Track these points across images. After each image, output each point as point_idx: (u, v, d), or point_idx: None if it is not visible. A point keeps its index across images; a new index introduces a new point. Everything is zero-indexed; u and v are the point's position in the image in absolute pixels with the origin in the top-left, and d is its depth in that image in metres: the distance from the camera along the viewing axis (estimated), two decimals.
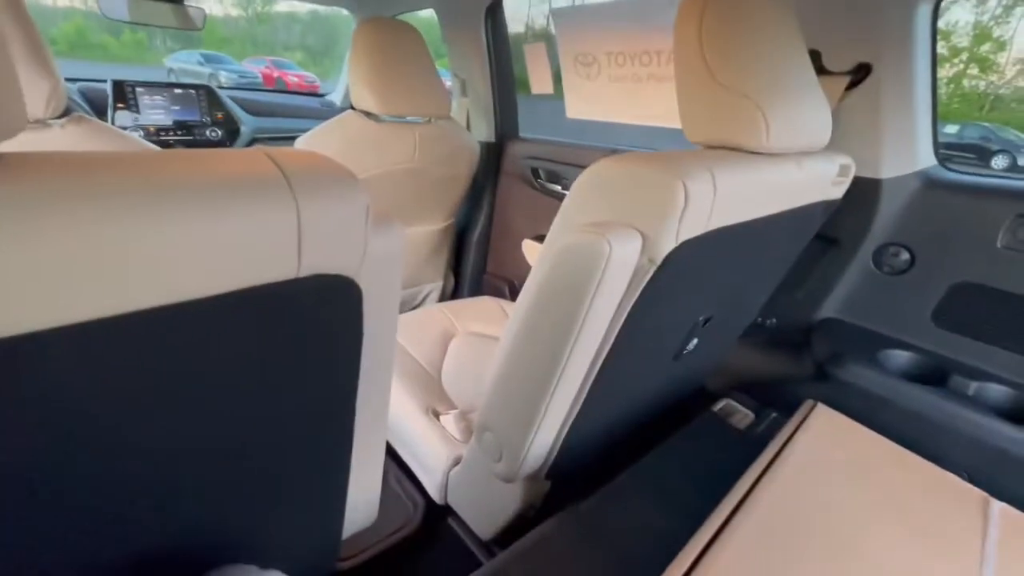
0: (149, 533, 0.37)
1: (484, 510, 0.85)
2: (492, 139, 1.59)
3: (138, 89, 1.48)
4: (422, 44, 1.29)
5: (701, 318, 0.75)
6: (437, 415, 0.96)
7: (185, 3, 1.43)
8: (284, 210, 0.29)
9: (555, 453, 0.71)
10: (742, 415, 0.94)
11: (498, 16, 1.49)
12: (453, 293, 1.76)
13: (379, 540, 0.86)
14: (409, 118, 1.30)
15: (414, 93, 1.26)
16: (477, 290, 1.77)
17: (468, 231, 1.70)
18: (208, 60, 11.49)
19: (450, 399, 1.04)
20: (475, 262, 1.74)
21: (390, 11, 1.65)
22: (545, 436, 0.66)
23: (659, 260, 0.53)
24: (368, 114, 1.21)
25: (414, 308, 1.65)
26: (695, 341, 0.79)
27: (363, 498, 0.54)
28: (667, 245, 0.53)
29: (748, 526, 0.58)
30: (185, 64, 11.49)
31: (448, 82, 1.56)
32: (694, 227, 0.54)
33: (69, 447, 0.29)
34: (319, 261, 0.31)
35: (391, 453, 1.00)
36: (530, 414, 0.63)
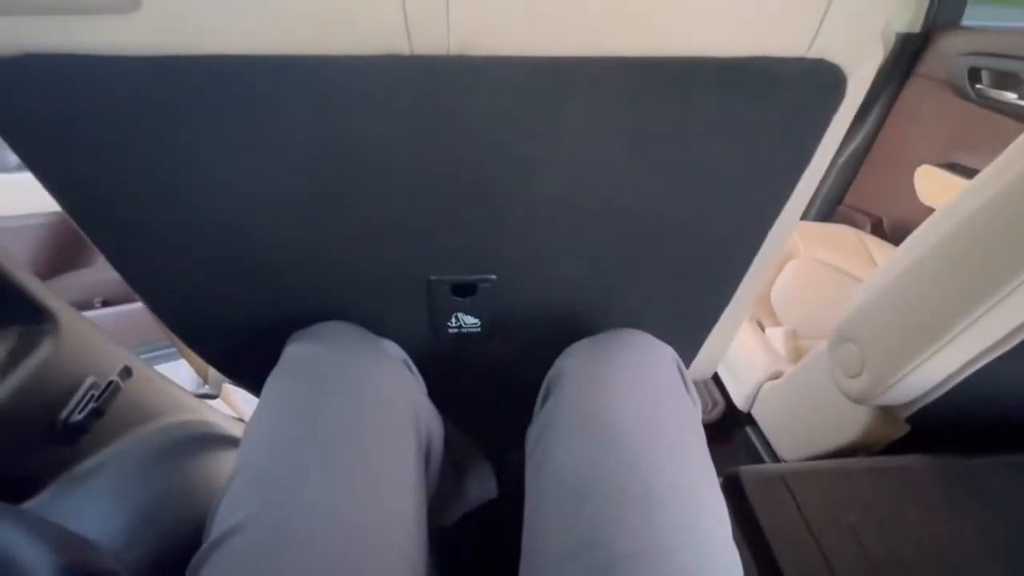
0: (534, 289, 0.43)
1: (797, 430, 0.79)
2: (915, 28, 1.23)
3: None
4: None
5: None
6: (762, 326, 0.91)
7: None
8: None
9: (936, 395, 0.58)
10: None
11: None
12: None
13: None
14: None
15: None
16: (825, 218, 1.51)
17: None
18: None
19: (776, 315, 0.96)
20: (830, 189, 1.47)
21: None
22: (933, 370, 0.55)
23: None
24: None
25: None
26: None
27: (714, 344, 0.53)
28: None
29: None
30: None
31: None
32: None
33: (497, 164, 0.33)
34: (828, 46, 0.29)
35: None
36: (925, 338, 0.52)
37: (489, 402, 0.57)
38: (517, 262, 0.41)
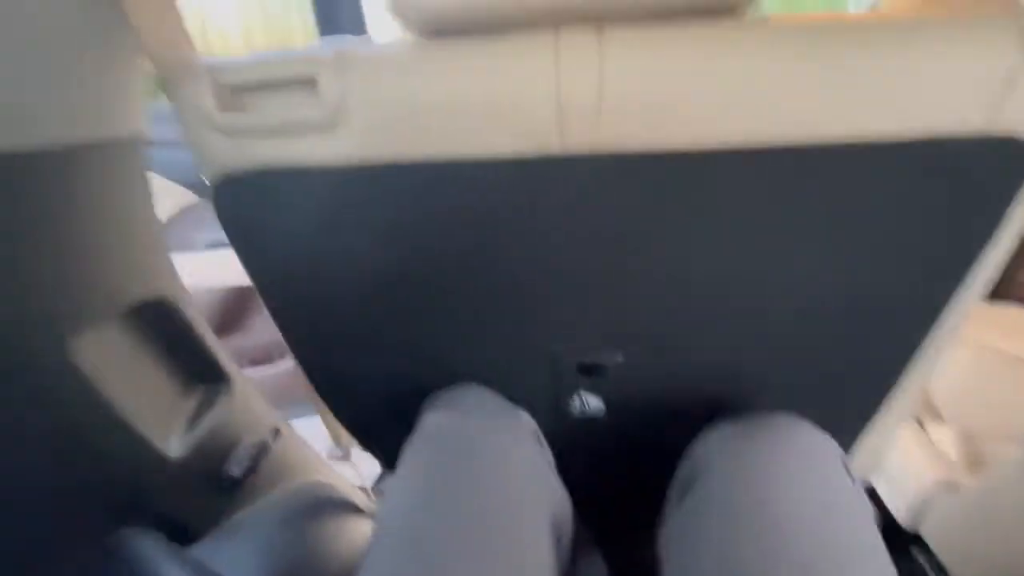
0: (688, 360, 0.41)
1: (985, 557, 0.64)
2: None
3: None
4: None
5: None
6: (921, 423, 0.77)
7: None
8: (1001, 45, 0.25)
9: None
10: None
11: None
12: None
13: None
14: None
15: None
16: (999, 296, 1.30)
17: None
18: None
19: (939, 411, 0.82)
20: (1007, 262, 1.27)
21: None
22: None
23: None
24: None
25: None
26: None
27: (873, 442, 0.46)
28: None
29: None
30: None
31: None
32: None
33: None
34: (1013, 120, 0.26)
35: None
36: None
37: (607, 489, 0.54)
38: (646, 344, 0.40)
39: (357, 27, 1.09)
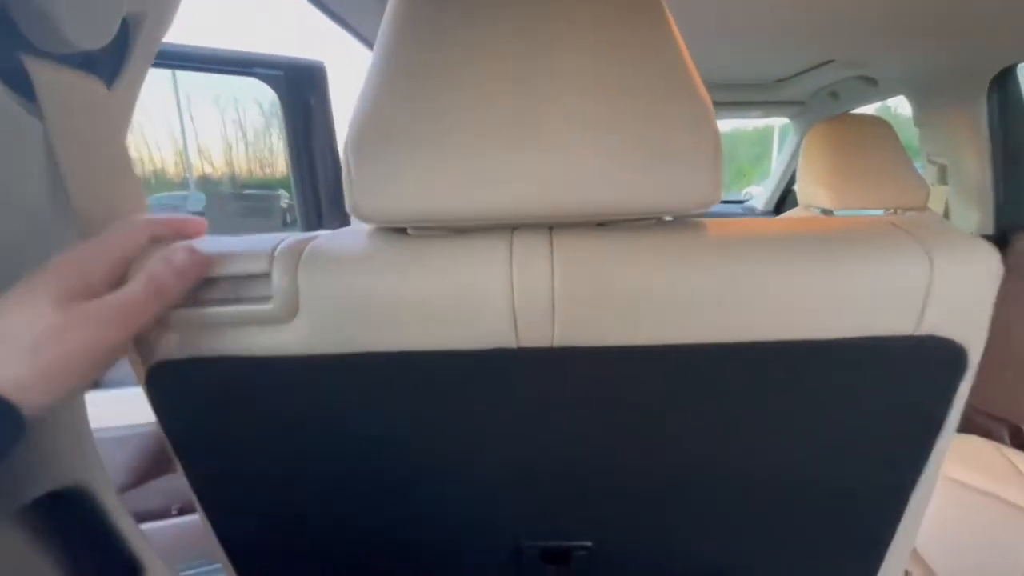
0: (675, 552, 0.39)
1: None
2: (988, 231, 1.23)
3: None
4: (891, 135, 1.17)
5: None
6: (909, 573, 0.73)
7: None
8: (915, 266, 0.28)
9: None
10: None
11: (1010, 81, 1.19)
12: None
13: None
14: (872, 212, 1.17)
15: (876, 185, 1.14)
16: None
17: None
18: None
19: (926, 563, 0.79)
20: None
21: (841, 111, 1.58)
22: None
23: None
24: (823, 211, 1.16)
25: None
26: None
27: None
28: None
29: None
30: None
31: None
32: None
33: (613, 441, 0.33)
34: (938, 322, 0.29)
35: None
36: None
37: None
38: (615, 533, 0.38)
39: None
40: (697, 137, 0.29)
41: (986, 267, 0.29)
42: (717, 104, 1.78)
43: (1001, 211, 1.23)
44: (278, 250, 0.30)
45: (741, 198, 2.45)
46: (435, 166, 0.28)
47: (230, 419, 0.33)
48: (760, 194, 2.16)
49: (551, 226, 0.31)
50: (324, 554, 0.40)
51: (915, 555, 0.79)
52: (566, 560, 0.39)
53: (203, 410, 0.33)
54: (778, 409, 0.32)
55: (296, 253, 0.30)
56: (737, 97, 1.73)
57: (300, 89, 1.08)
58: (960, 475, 0.95)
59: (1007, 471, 0.94)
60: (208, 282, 0.30)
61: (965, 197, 1.28)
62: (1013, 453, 0.99)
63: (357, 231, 0.33)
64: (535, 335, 0.30)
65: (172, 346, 0.31)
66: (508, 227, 0.31)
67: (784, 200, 2.08)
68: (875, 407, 0.32)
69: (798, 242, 0.29)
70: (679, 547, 0.39)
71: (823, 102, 1.68)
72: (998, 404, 1.24)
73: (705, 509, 0.37)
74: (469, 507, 0.37)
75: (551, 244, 0.30)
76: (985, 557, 0.79)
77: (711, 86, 1.72)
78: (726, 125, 2.02)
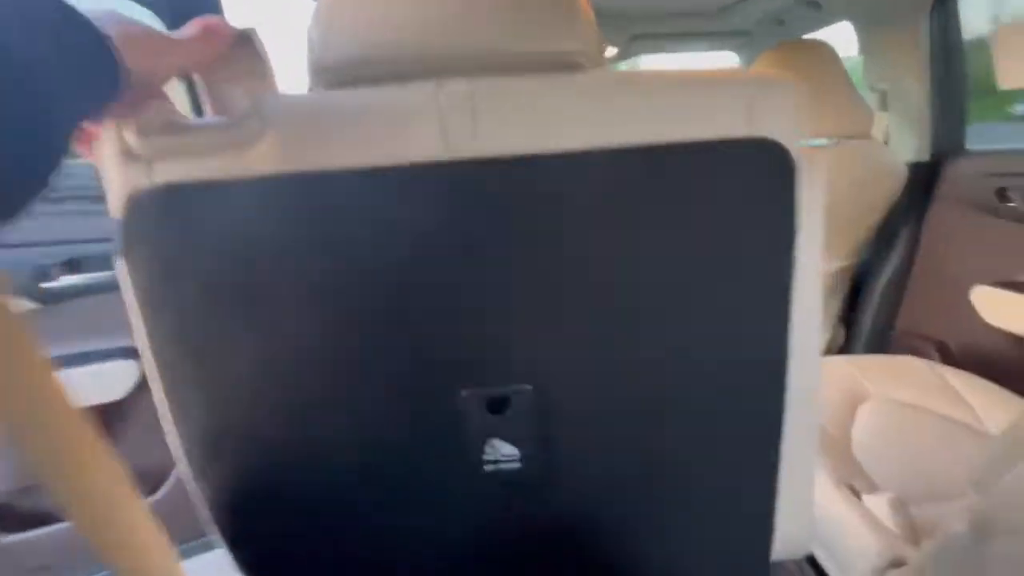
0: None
1: None
2: (924, 157, 1.25)
3: None
4: (836, 60, 1.15)
5: None
6: (857, 493, 0.76)
7: None
8: (741, 87, 0.35)
9: None
10: None
11: (949, 7, 1.18)
12: (841, 351, 1.45)
13: None
14: (815, 141, 1.15)
15: (823, 113, 1.12)
16: (876, 349, 1.40)
17: (871, 275, 1.37)
18: None
19: (868, 475, 0.82)
20: (877, 314, 1.39)
21: (790, 36, 1.54)
22: None
23: None
24: None
25: None
26: None
27: (793, 508, 0.43)
28: None
29: None
30: None
31: None
32: None
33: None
34: (764, 127, 0.35)
35: None
36: None
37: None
38: (552, 371, 0.39)
39: None
40: None
41: (791, 89, 0.36)
42: (659, 36, 1.71)
43: (937, 137, 1.25)
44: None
45: None
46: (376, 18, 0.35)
47: (201, 247, 0.35)
48: None
49: (471, 73, 0.35)
50: (284, 417, 0.39)
51: (859, 470, 0.81)
52: (507, 405, 0.39)
53: (176, 242, 0.34)
54: (654, 213, 0.36)
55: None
56: (680, 28, 1.65)
57: None
58: (900, 395, 0.99)
59: (940, 388, 0.99)
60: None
61: (905, 123, 1.29)
62: (946, 370, 1.04)
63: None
64: (460, 147, 0.35)
65: (141, 178, 0.33)
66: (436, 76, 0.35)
67: None
68: (727, 211, 0.37)
69: (659, 77, 0.37)
70: (612, 386, 0.40)
71: (769, 30, 1.64)
72: (926, 325, 1.31)
73: (622, 340, 0.39)
74: (408, 351, 0.38)
75: (472, 86, 0.35)
76: (925, 468, 0.83)
77: (651, 15, 1.65)
78: (673, 62, 1.95)
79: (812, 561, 0.78)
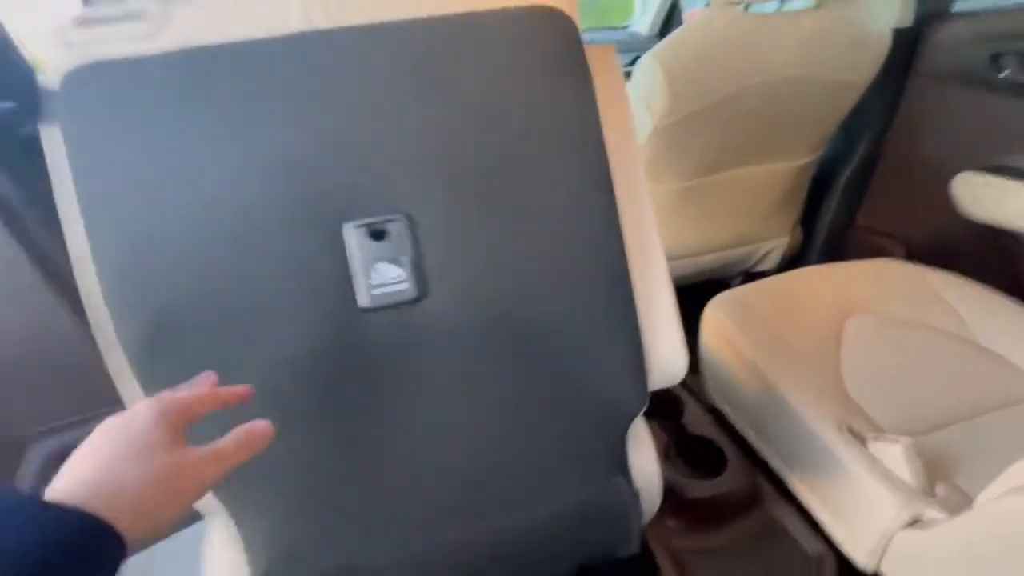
0: None
1: None
2: (905, 23, 1.06)
3: None
4: None
5: None
6: (861, 438, 0.65)
7: None
8: None
9: None
10: None
11: None
12: (799, 253, 1.34)
13: None
14: (795, 4, 0.93)
15: None
16: (835, 251, 1.31)
17: (834, 167, 1.23)
18: None
19: (867, 414, 0.71)
20: (837, 211, 1.27)
21: None
22: None
23: None
24: (737, 4, 0.89)
25: (752, 272, 1.32)
26: None
27: (658, 331, 0.49)
28: None
29: None
30: None
31: None
32: None
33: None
34: None
35: (780, 486, 0.74)
36: None
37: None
38: (421, 200, 0.42)
39: None
40: None
41: None
42: None
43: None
44: None
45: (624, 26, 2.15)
46: None
47: (133, 125, 0.37)
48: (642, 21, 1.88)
49: None
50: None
51: (858, 409, 0.71)
52: (385, 234, 0.41)
53: (110, 122, 0.37)
54: (457, 80, 0.41)
55: None
56: None
57: None
58: (880, 304, 0.88)
59: (922, 293, 0.89)
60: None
61: None
62: (925, 270, 0.94)
63: None
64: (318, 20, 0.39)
65: (71, 57, 0.37)
66: None
67: (670, 20, 1.81)
68: (525, 85, 0.41)
69: None
70: (478, 215, 0.43)
71: None
72: (891, 219, 1.21)
73: (481, 186, 0.43)
74: (292, 188, 0.40)
75: None
76: (918, 393, 0.74)
77: None
78: None
79: (815, 527, 0.69)
